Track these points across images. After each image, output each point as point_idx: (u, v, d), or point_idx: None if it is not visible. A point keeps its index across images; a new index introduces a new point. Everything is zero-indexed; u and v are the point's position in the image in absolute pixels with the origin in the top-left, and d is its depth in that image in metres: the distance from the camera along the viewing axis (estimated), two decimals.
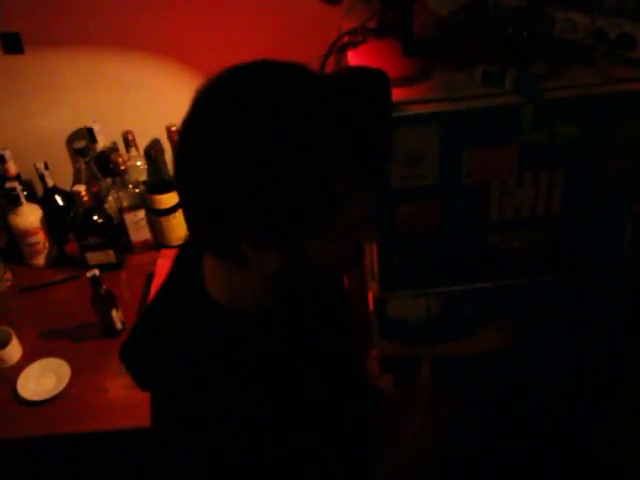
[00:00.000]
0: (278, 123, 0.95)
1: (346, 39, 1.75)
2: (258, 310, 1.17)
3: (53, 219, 2.38)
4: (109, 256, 2.34)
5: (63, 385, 2.06)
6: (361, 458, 1.33)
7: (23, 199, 2.29)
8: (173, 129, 2.22)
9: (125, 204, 2.33)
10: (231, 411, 1.13)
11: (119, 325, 2.16)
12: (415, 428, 1.32)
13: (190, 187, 1.04)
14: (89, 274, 2.10)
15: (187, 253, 1.25)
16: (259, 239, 1.02)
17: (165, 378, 1.18)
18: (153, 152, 2.26)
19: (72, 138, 2.37)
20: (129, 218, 2.35)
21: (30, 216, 2.33)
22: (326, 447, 1.26)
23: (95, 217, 2.27)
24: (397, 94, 1.56)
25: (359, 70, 1.57)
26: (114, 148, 2.31)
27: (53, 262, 2.43)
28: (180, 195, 1.09)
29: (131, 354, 1.27)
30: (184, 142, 1.03)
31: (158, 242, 2.41)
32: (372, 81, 1.36)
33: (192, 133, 1.02)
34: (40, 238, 2.37)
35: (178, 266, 1.27)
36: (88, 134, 2.31)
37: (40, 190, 2.40)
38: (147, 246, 2.42)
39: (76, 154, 2.32)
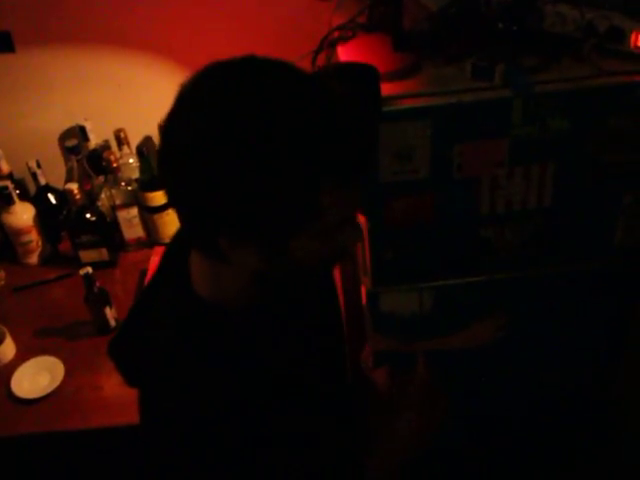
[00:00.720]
0: (259, 122, 0.94)
1: (336, 34, 1.74)
2: (242, 306, 1.17)
3: (46, 217, 2.38)
4: (102, 254, 2.34)
5: (57, 383, 2.06)
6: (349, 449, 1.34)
7: (15, 198, 2.29)
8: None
9: (118, 202, 2.33)
10: (215, 404, 1.13)
11: (113, 322, 2.16)
12: (411, 423, 1.32)
13: (171, 184, 1.03)
14: (82, 272, 2.10)
15: (175, 249, 1.25)
16: (237, 237, 1.01)
17: (151, 373, 1.18)
18: (145, 149, 2.27)
19: (64, 136, 2.38)
20: (122, 216, 2.35)
21: (23, 215, 2.34)
22: (313, 439, 1.26)
23: (88, 215, 2.27)
24: (387, 89, 1.57)
25: (349, 65, 1.58)
26: (106, 146, 2.30)
27: (46, 260, 2.43)
28: (165, 190, 1.08)
29: (119, 350, 1.27)
30: (166, 139, 1.02)
31: (151, 239, 2.41)
32: (362, 76, 1.36)
33: (173, 130, 1.01)
34: (33, 237, 2.37)
35: (166, 262, 1.27)
36: (80, 132, 2.31)
37: (33, 189, 2.40)
38: (140, 243, 2.42)
39: (68, 152, 2.32)
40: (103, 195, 2.34)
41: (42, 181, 2.35)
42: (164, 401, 1.16)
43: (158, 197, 2.29)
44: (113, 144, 2.33)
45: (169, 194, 1.06)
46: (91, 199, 2.31)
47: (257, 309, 1.18)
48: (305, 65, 1.67)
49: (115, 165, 2.27)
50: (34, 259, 2.42)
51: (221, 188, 0.96)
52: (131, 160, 2.33)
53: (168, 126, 1.01)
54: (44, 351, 2.14)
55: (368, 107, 1.41)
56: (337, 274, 2.18)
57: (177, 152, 1.00)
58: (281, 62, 1.03)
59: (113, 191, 2.32)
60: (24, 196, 2.38)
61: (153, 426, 1.19)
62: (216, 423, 1.12)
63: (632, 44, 1.59)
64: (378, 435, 1.33)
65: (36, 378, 2.08)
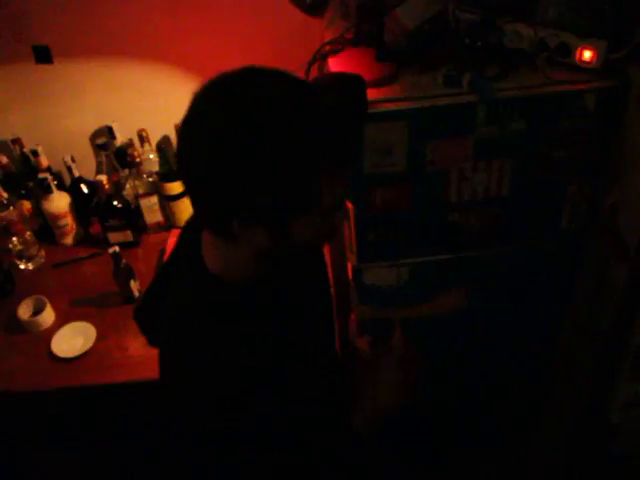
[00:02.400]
0: (265, 122, 0.95)
1: (327, 48, 1.73)
2: (246, 279, 1.16)
3: (79, 205, 2.37)
4: (127, 235, 2.33)
5: (90, 344, 2.06)
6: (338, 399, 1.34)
7: (54, 188, 2.28)
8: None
9: (140, 191, 2.32)
10: (224, 354, 1.13)
11: (136, 293, 2.16)
12: (390, 382, 1.33)
13: (190, 175, 1.03)
14: (110, 251, 2.10)
15: (190, 229, 1.24)
16: (248, 220, 1.02)
17: (168, 335, 1.18)
18: (164, 146, 2.27)
19: (94, 135, 2.36)
20: (144, 203, 2.34)
21: (60, 202, 2.32)
22: (313, 387, 1.26)
23: (115, 202, 2.26)
24: (371, 94, 1.55)
25: (340, 74, 1.57)
26: (130, 144, 2.29)
27: (80, 241, 2.42)
28: (183, 181, 1.07)
29: (142, 316, 1.27)
30: (185, 139, 1.02)
31: (169, 223, 2.40)
32: (351, 83, 1.36)
33: (192, 132, 1.01)
34: (68, 221, 2.36)
35: (181, 240, 1.27)
36: (108, 132, 2.29)
37: (68, 180, 2.38)
38: (159, 227, 2.41)
39: (98, 149, 2.30)
40: (128, 185, 2.32)
41: (76, 173, 2.33)
42: (181, 355, 1.15)
43: (175, 187, 2.28)
44: (136, 142, 2.31)
45: (188, 185, 1.06)
46: (118, 189, 2.29)
47: (257, 282, 1.18)
48: (300, 74, 1.67)
49: (138, 160, 2.26)
50: (69, 240, 2.40)
51: (236, 180, 0.97)
52: (151, 155, 2.32)
53: (186, 128, 1.01)
54: (79, 317, 2.14)
55: (356, 110, 1.41)
56: (327, 253, 2.19)
57: (195, 148, 1.00)
58: (282, 72, 1.03)
59: (136, 182, 2.31)
60: (61, 186, 2.36)
61: (172, 377, 1.19)
62: (227, 370, 1.12)
63: (577, 58, 1.60)
64: (363, 392, 1.34)
65: (72, 340, 2.08)
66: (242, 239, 1.05)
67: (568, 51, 1.60)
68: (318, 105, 1.00)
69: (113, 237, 2.32)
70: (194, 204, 1.08)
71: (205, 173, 0.99)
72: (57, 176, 2.36)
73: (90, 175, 2.36)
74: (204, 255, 1.17)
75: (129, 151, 2.26)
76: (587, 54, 1.58)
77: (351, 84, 1.37)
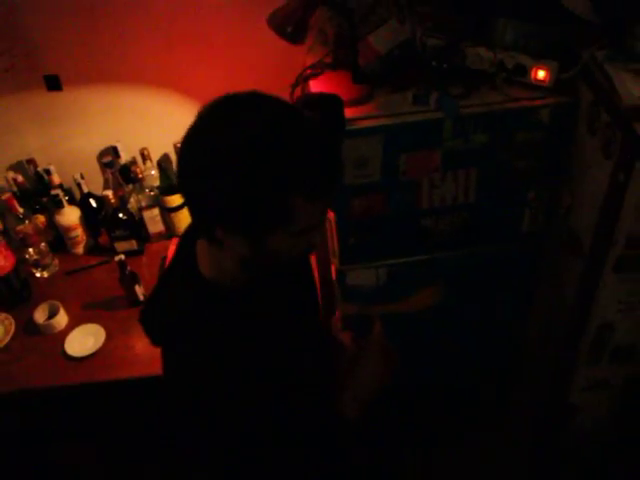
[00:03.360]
0: (245, 146, 0.97)
1: (309, 72, 1.74)
2: (235, 283, 1.18)
3: (89, 217, 2.36)
4: (132, 244, 2.33)
5: (100, 344, 2.06)
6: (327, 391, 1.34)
7: (65, 203, 2.28)
8: (178, 145, 2.18)
9: (143, 204, 2.32)
10: (220, 352, 1.14)
11: (141, 297, 2.15)
12: (371, 371, 1.34)
13: (185, 187, 1.06)
14: (117, 259, 2.10)
15: (187, 238, 1.25)
16: (229, 229, 1.04)
17: (170, 334, 1.18)
18: (164, 164, 2.27)
19: (101, 154, 2.35)
20: (147, 215, 2.33)
21: (71, 215, 2.32)
22: (299, 380, 1.26)
23: (121, 215, 2.26)
24: (348, 112, 1.56)
25: (320, 95, 1.58)
26: (133, 161, 2.28)
27: (89, 250, 2.41)
28: (180, 190, 1.09)
29: (146, 318, 1.27)
30: (183, 158, 1.04)
31: (170, 232, 2.39)
32: (330, 103, 1.37)
33: (190, 143, 1.03)
34: (79, 232, 2.35)
35: (180, 248, 1.27)
36: (113, 151, 2.29)
37: (78, 195, 2.37)
38: (161, 236, 2.40)
39: (104, 167, 2.30)
40: (132, 199, 2.32)
41: (85, 189, 2.32)
42: (181, 353, 1.16)
43: (174, 200, 2.28)
44: (139, 160, 2.31)
45: (183, 193, 1.08)
46: (123, 202, 2.28)
47: (246, 286, 1.19)
48: (285, 95, 1.68)
49: (140, 176, 2.26)
50: (80, 249, 2.39)
51: (220, 193, 0.99)
52: (153, 172, 2.31)
53: (186, 141, 1.03)
54: (89, 320, 2.14)
55: (334, 128, 1.42)
56: (313, 257, 2.19)
57: (190, 165, 1.03)
58: (280, 100, 1.04)
59: (139, 196, 2.31)
60: (71, 201, 2.35)
61: (173, 373, 1.19)
62: (221, 365, 1.13)
63: (532, 77, 1.61)
64: (348, 380, 1.34)
65: (84, 341, 2.08)
66: (226, 246, 1.07)
67: (524, 71, 1.61)
68: (303, 135, 1.01)
69: (119, 246, 2.32)
70: (189, 211, 1.10)
71: (195, 183, 1.02)
72: (68, 192, 2.35)
73: (98, 190, 2.35)
74: (199, 261, 1.18)
75: (132, 168, 2.25)
76: (541, 74, 1.60)
77: (331, 103, 1.39)
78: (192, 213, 1.10)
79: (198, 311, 1.15)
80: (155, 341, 1.25)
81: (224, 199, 0.99)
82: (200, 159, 1.00)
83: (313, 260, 2.15)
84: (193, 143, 1.02)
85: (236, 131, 0.98)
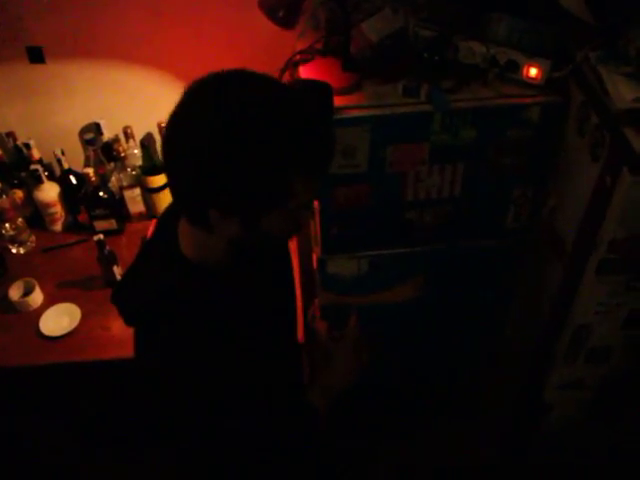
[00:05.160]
0: (248, 123, 0.93)
1: (298, 57, 1.71)
2: (218, 265, 1.15)
3: (68, 194, 2.31)
4: (112, 224, 2.29)
5: (75, 324, 2.03)
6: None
7: (44, 178, 2.23)
8: (162, 125, 2.15)
9: (125, 183, 2.28)
10: (195, 333, 1.12)
11: (118, 277, 2.11)
12: (343, 364, 1.34)
13: (173, 167, 1.02)
14: (96, 238, 2.06)
15: (167, 218, 1.22)
16: (226, 211, 1.01)
17: (145, 314, 1.16)
18: (147, 143, 2.22)
19: (83, 131, 2.30)
20: (128, 194, 2.29)
21: (50, 192, 2.27)
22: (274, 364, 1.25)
23: (101, 193, 2.22)
24: (337, 101, 1.53)
25: (309, 82, 1.55)
26: (116, 139, 2.23)
27: (68, 228, 2.36)
28: (167, 174, 1.06)
29: (120, 297, 1.24)
30: (170, 132, 1.00)
31: (150, 213, 2.36)
32: (319, 90, 1.35)
33: (177, 125, 0.99)
34: (58, 209, 2.31)
35: (159, 229, 1.24)
36: (96, 128, 2.24)
37: (58, 171, 2.32)
38: (142, 216, 2.36)
39: (86, 144, 2.25)
40: (113, 178, 2.27)
41: (65, 165, 2.27)
42: (156, 334, 1.14)
43: (156, 180, 2.24)
44: (122, 138, 2.25)
45: (170, 176, 1.04)
46: (104, 181, 2.24)
47: (229, 268, 1.17)
48: None
49: (123, 154, 2.22)
50: (58, 227, 2.35)
51: (217, 175, 0.96)
52: (135, 151, 2.27)
53: (173, 123, 1.00)
54: (65, 299, 2.10)
55: (325, 113, 1.40)
56: (295, 245, 2.17)
57: (182, 146, 0.98)
58: (269, 77, 1.01)
59: (121, 175, 2.26)
60: (51, 177, 2.30)
61: (145, 354, 1.18)
62: (196, 347, 1.12)
63: (524, 74, 1.60)
64: (319, 371, 1.34)
65: (59, 320, 2.04)
66: (217, 228, 1.04)
67: (516, 68, 1.60)
68: (299, 111, 0.98)
69: (99, 225, 2.27)
70: (175, 194, 1.07)
71: (188, 166, 0.98)
72: (48, 167, 2.30)
73: (79, 167, 2.30)
74: (180, 242, 1.16)
75: (115, 146, 2.21)
76: (533, 71, 1.58)
77: (321, 90, 1.37)
78: (179, 196, 1.07)
79: (180, 291, 1.12)
80: (129, 321, 1.22)
81: (220, 182, 0.96)
82: (191, 141, 0.96)
83: (294, 248, 2.14)
84: (182, 124, 0.98)
85: (228, 110, 0.94)
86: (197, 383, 1.12)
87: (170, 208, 1.26)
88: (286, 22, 1.62)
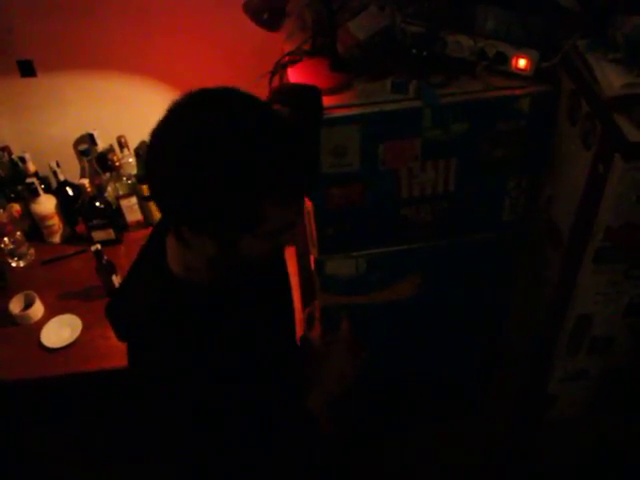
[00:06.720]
0: (213, 147, 0.92)
1: (287, 59, 1.69)
2: (203, 281, 1.14)
3: (65, 206, 2.31)
4: (109, 234, 2.28)
5: (77, 335, 2.03)
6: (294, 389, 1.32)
7: (41, 191, 2.22)
8: None
9: (121, 192, 2.27)
10: (184, 349, 1.11)
11: None
12: (337, 368, 1.33)
13: (151, 181, 1.02)
14: (93, 248, 2.05)
15: (158, 231, 1.21)
16: (195, 229, 1.01)
17: (136, 329, 1.15)
18: (142, 151, 2.22)
19: (77, 142, 2.29)
20: (124, 203, 2.29)
21: (47, 204, 2.26)
22: (267, 378, 1.23)
23: (98, 203, 2.21)
24: (327, 101, 1.54)
25: (298, 86, 1.55)
26: (110, 149, 2.23)
27: (66, 240, 2.36)
28: (147, 185, 1.05)
29: (113, 312, 1.23)
30: (152, 145, 0.99)
31: (148, 221, 2.35)
32: (307, 95, 1.34)
33: (158, 138, 0.98)
34: (55, 221, 2.30)
35: (150, 241, 1.23)
36: (89, 139, 2.24)
37: (54, 183, 2.32)
38: (139, 225, 2.35)
39: (81, 155, 2.24)
40: (109, 188, 2.27)
41: (61, 177, 2.27)
42: (147, 349, 1.12)
43: None
44: (116, 147, 2.26)
45: (150, 191, 1.04)
46: (100, 191, 2.23)
47: (214, 283, 1.15)
48: (263, 83, 1.64)
49: (118, 164, 2.22)
50: (56, 239, 2.34)
51: (188, 192, 0.95)
52: (130, 160, 2.26)
53: (155, 136, 0.99)
54: (66, 310, 2.10)
55: (311, 122, 1.39)
56: (292, 248, 2.16)
57: (160, 159, 0.98)
58: (255, 99, 0.99)
59: (117, 184, 2.26)
60: (47, 189, 2.30)
61: (138, 369, 1.16)
62: (186, 362, 1.10)
63: (513, 66, 1.59)
64: (315, 375, 1.33)
65: (60, 331, 2.04)
66: (193, 245, 1.03)
67: (505, 60, 1.58)
68: (274, 137, 0.96)
69: (97, 235, 2.27)
70: (157, 207, 1.06)
71: (161, 181, 0.98)
72: (44, 180, 2.30)
73: (74, 178, 2.30)
74: (168, 256, 1.14)
75: (109, 156, 2.21)
76: (522, 62, 1.57)
77: (309, 95, 1.36)
78: (159, 209, 1.06)
79: (165, 308, 1.11)
80: (121, 337, 1.21)
81: (190, 201, 0.95)
82: (166, 157, 0.96)
83: (292, 251, 2.13)
84: (160, 139, 0.98)
85: (201, 131, 0.93)
86: (182, 399, 1.11)
87: (162, 219, 1.26)
88: (271, 24, 1.61)
